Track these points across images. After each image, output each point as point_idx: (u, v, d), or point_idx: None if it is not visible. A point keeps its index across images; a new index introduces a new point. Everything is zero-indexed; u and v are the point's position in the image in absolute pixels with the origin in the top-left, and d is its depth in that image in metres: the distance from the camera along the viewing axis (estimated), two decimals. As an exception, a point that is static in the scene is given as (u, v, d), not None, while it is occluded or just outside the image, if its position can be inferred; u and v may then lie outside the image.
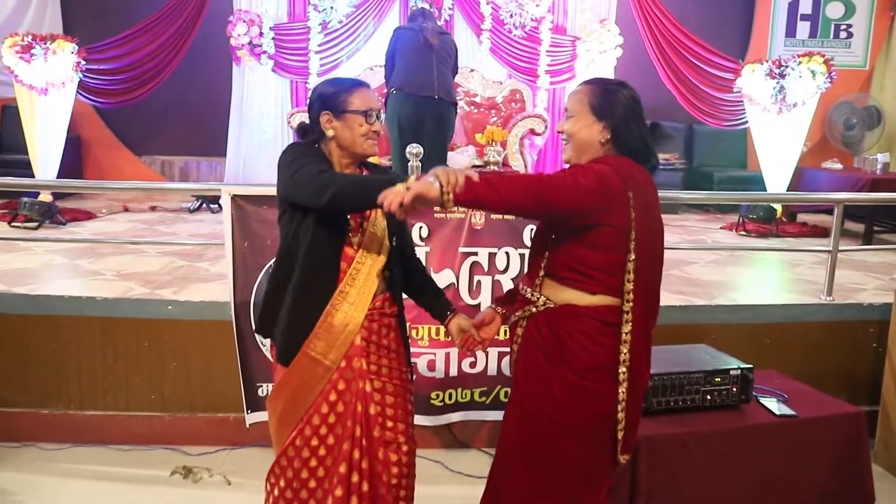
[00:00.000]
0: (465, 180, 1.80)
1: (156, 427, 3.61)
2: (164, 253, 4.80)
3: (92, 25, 7.43)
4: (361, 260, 2.17)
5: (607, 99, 2.12)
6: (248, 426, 3.47)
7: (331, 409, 2.17)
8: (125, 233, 5.66)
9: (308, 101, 2.26)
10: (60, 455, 3.50)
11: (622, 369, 2.04)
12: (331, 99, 2.16)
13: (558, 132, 2.22)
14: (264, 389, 3.41)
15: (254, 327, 2.42)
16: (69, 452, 3.52)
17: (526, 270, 2.26)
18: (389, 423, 2.25)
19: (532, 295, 2.12)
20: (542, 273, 2.11)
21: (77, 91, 6.51)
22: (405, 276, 2.36)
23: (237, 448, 3.56)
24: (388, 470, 2.23)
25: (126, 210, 6.66)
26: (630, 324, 2.04)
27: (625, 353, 2.04)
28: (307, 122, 2.26)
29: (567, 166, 2.13)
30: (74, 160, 7.47)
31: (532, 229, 3.38)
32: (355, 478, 2.16)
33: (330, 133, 2.16)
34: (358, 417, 2.18)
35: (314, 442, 2.17)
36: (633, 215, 2.02)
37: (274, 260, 2.27)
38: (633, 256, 2.04)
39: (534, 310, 2.11)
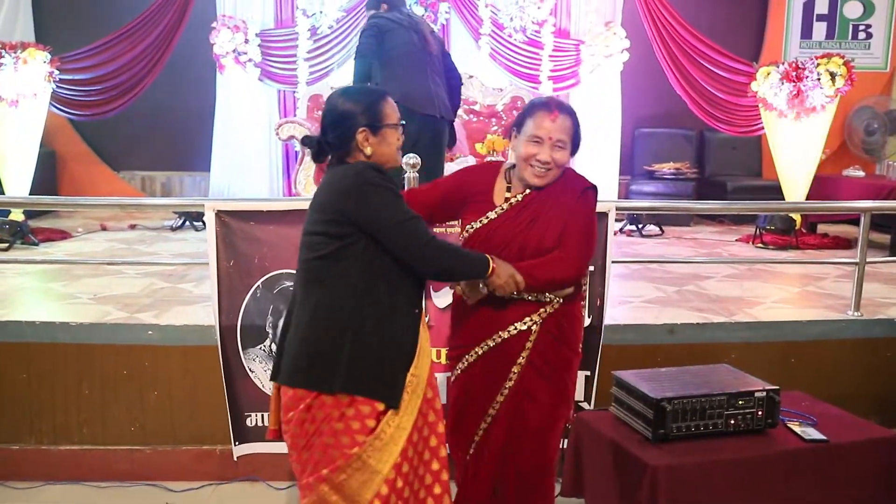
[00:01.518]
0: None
1: (136, 462, 3.55)
2: (145, 274, 4.76)
3: (66, 33, 7.41)
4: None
5: (578, 132, 2.54)
6: (235, 459, 3.41)
7: (417, 431, 2.22)
8: (102, 253, 5.61)
9: (331, 118, 2.20)
10: (33, 494, 3.43)
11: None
12: (366, 114, 2.15)
13: (544, 163, 2.44)
14: (253, 419, 3.36)
15: (300, 381, 2.14)
16: (43, 491, 3.46)
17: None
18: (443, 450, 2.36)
19: (546, 297, 2.47)
20: None
21: (50, 103, 6.48)
22: None
23: (224, 483, 3.51)
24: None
25: (104, 229, 6.62)
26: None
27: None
28: (315, 136, 2.24)
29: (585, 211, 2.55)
30: (48, 176, 7.43)
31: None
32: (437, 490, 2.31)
33: (368, 150, 2.16)
34: (433, 426, 2.30)
35: (405, 468, 2.18)
36: None
37: (330, 302, 2.15)
38: None
39: (550, 310, 2.49)
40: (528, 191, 2.51)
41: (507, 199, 2.52)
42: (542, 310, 2.49)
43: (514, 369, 2.50)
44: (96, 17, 7.56)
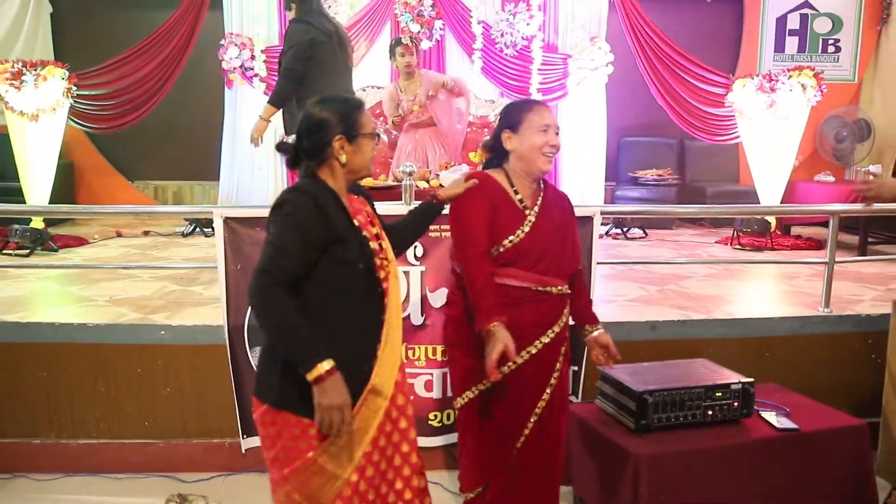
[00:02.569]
0: None
1: (150, 454, 3.55)
2: (157, 278, 4.76)
3: (82, 51, 7.41)
4: (391, 279, 2.17)
5: None
6: (243, 451, 3.42)
7: (382, 434, 2.13)
8: (118, 258, 5.62)
9: (308, 125, 2.08)
10: (52, 486, 3.43)
11: None
12: (342, 123, 2.06)
13: (554, 146, 2.47)
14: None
15: (257, 394, 2.06)
16: (61, 482, 3.45)
17: (547, 272, 2.46)
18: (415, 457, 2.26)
19: (567, 289, 2.52)
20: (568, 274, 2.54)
21: (68, 117, 6.49)
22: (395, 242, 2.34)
23: (233, 474, 3.51)
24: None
25: (119, 235, 6.63)
26: None
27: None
28: (290, 141, 2.15)
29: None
30: (66, 186, 7.43)
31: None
32: (408, 495, 2.22)
33: (343, 158, 2.07)
34: (404, 434, 2.21)
35: (369, 472, 2.09)
36: None
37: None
38: None
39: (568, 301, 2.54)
40: (540, 197, 2.50)
41: (525, 207, 2.46)
42: (568, 300, 2.53)
43: (557, 365, 2.51)
44: (111, 35, 7.57)
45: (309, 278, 1.98)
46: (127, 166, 8.01)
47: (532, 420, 2.48)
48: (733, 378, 2.97)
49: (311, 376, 1.87)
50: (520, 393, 2.46)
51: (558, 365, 2.51)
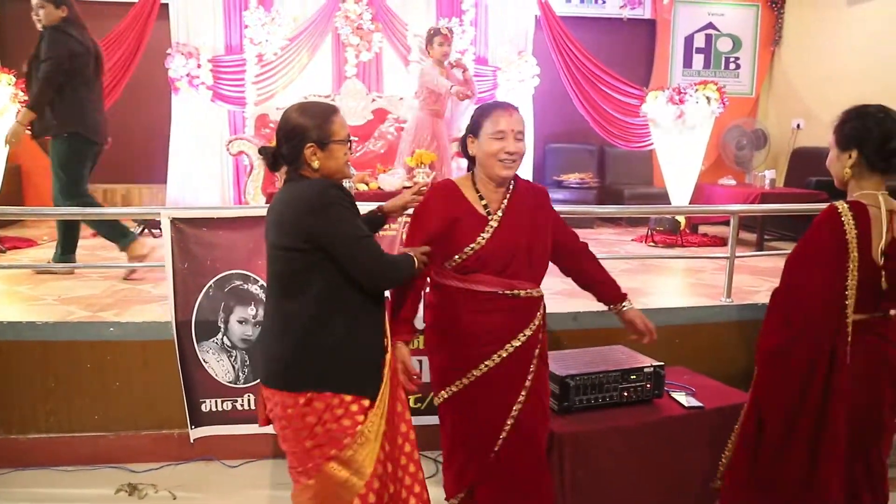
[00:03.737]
0: None
1: (100, 447, 3.45)
2: (106, 277, 4.62)
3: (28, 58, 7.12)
4: None
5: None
6: (192, 441, 3.34)
7: (388, 425, 2.18)
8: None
9: (285, 131, 2.08)
10: (4, 480, 3.30)
11: None
12: (315, 131, 2.04)
13: (511, 153, 2.29)
14: (207, 405, 3.29)
15: (290, 387, 2.04)
16: (12, 477, 3.33)
17: (515, 276, 2.34)
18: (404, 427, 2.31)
19: (538, 292, 2.40)
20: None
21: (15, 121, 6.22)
22: None
23: (182, 463, 3.44)
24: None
25: (68, 237, 6.39)
26: None
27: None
28: (271, 147, 2.13)
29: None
30: (14, 189, 7.12)
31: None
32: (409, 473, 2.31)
33: (316, 165, 2.05)
34: (401, 415, 2.28)
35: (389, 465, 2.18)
36: None
37: (309, 312, 2.04)
38: None
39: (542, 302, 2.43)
40: (505, 200, 2.35)
41: (488, 213, 2.33)
42: (542, 302, 2.42)
43: (531, 367, 2.37)
44: (59, 43, 7.29)
45: (323, 269, 2.01)
46: (75, 170, 7.72)
47: (508, 423, 2.35)
48: (646, 362, 3.04)
49: (417, 267, 2.22)
50: (493, 396, 2.35)
51: (532, 367, 2.37)
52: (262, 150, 2.18)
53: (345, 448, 2.03)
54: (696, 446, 2.94)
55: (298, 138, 2.04)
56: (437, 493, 2.51)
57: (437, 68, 5.66)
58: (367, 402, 2.07)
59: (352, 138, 2.17)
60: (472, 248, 2.29)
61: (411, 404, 3.45)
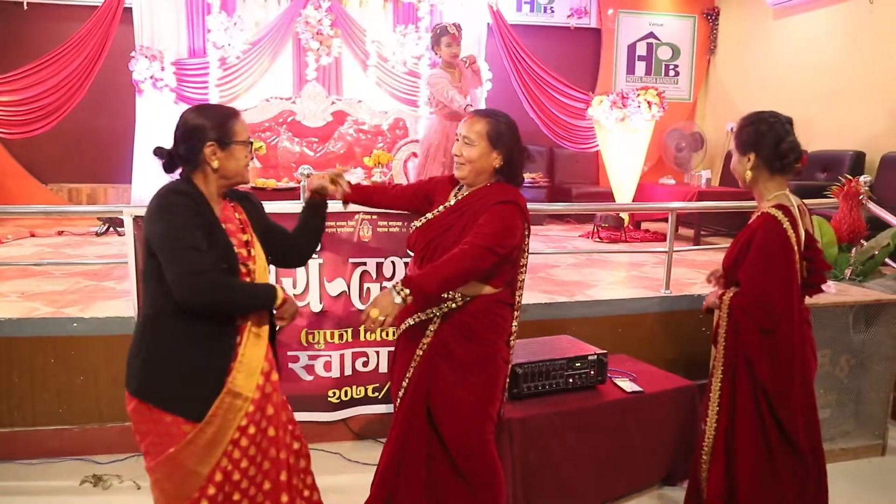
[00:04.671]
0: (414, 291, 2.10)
1: (65, 439, 3.35)
2: (70, 274, 4.49)
3: (-7, 60, 6.91)
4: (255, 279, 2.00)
5: (500, 131, 2.33)
6: (156, 432, 3.28)
7: (248, 439, 1.93)
8: (31, 257, 5.23)
9: (182, 131, 1.94)
10: (-34, 473, 3.19)
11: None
12: (215, 130, 1.92)
13: (455, 155, 2.35)
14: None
15: (151, 401, 1.89)
16: (-25, 469, 3.22)
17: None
18: (292, 437, 2.11)
19: (449, 294, 2.30)
20: None
21: (-21, 122, 6.04)
22: (293, 250, 2.29)
23: (146, 454, 3.36)
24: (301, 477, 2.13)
25: (33, 235, 6.19)
26: (519, 306, 2.44)
27: (516, 325, 2.43)
28: (166, 148, 1.97)
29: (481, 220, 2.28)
30: (-22, 189, 6.91)
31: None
32: (284, 498, 2.03)
33: (215, 164, 1.92)
34: (273, 441, 2.00)
35: (236, 476, 1.92)
36: (527, 234, 2.39)
37: (147, 312, 1.92)
38: (525, 262, 2.43)
39: (453, 305, 2.31)
40: (460, 197, 2.39)
41: (446, 204, 2.40)
42: (444, 304, 2.32)
43: (418, 352, 2.36)
44: (23, 45, 7.06)
45: (162, 277, 1.84)
46: (41, 169, 7.48)
47: (398, 400, 2.43)
48: (590, 351, 3.08)
49: (277, 303, 1.95)
50: (395, 360, 2.50)
51: (419, 352, 2.36)
52: (156, 151, 1.99)
53: (158, 466, 1.89)
54: (638, 428, 3.00)
55: (197, 137, 1.91)
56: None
57: (447, 73, 4.98)
58: (188, 427, 1.86)
59: (252, 141, 2.04)
60: (413, 226, 2.43)
61: (369, 393, 3.45)
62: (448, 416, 2.34)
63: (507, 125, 2.35)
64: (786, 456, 2.36)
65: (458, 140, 2.36)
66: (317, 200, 2.38)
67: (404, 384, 2.40)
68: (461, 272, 2.17)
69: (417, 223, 2.43)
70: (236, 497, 1.93)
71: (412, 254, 2.49)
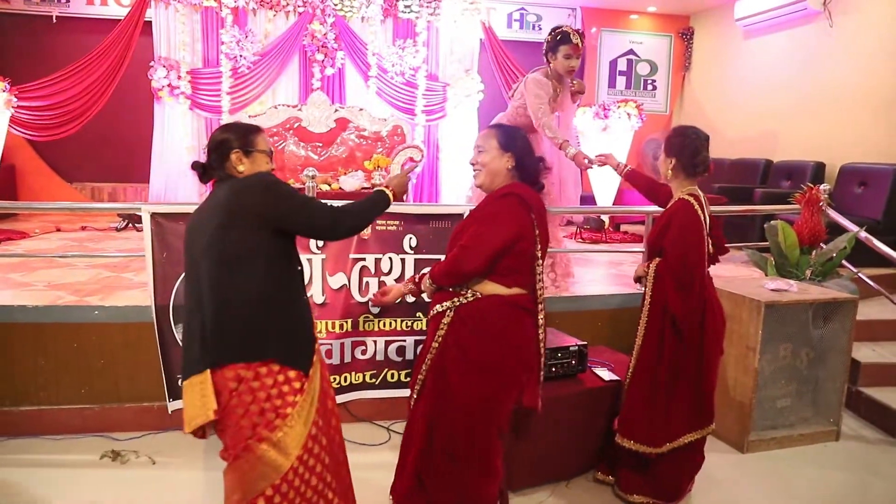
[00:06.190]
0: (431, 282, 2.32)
1: (87, 418, 3.36)
2: (93, 266, 4.49)
3: (24, 67, 6.87)
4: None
5: (510, 136, 2.36)
6: (170, 412, 3.29)
7: (320, 403, 2.05)
8: (56, 249, 5.23)
9: (212, 144, 2.07)
10: (-4, 448, 3.19)
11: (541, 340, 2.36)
12: (240, 140, 2.05)
13: (471, 164, 2.41)
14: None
15: (236, 357, 1.89)
16: (5, 444, 3.21)
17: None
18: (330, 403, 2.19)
19: (459, 288, 2.29)
20: None
21: (10, 125, 6.01)
22: None
23: (161, 432, 3.37)
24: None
25: (58, 230, 6.19)
26: (543, 309, 2.34)
27: (542, 331, 2.34)
28: (200, 161, 2.12)
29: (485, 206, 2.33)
30: (8, 187, 6.89)
31: (411, 238, 3.39)
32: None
33: (241, 168, 2.03)
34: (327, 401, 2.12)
35: (323, 439, 2.02)
36: (537, 232, 2.28)
37: (247, 280, 1.89)
38: (539, 262, 2.30)
39: (463, 300, 2.27)
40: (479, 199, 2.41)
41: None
42: (454, 298, 2.29)
43: (434, 344, 2.32)
44: (51, 54, 7.05)
45: (269, 247, 1.93)
46: (66, 169, 7.47)
47: (417, 385, 2.38)
48: (572, 342, 3.08)
49: (391, 197, 2.22)
50: (422, 350, 2.42)
51: (436, 343, 2.31)
52: (194, 164, 2.13)
53: (275, 430, 1.89)
54: (615, 413, 3.00)
55: (224, 148, 2.04)
56: (391, 458, 2.52)
57: (550, 86, 3.85)
58: (297, 385, 1.93)
59: (272, 150, 2.15)
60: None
61: (367, 380, 3.46)
62: (446, 407, 2.27)
63: (517, 133, 2.41)
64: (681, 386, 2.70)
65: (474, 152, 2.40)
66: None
67: (422, 374, 2.36)
68: (446, 271, 2.29)
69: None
70: (317, 471, 1.99)
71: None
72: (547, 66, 3.89)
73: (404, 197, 2.35)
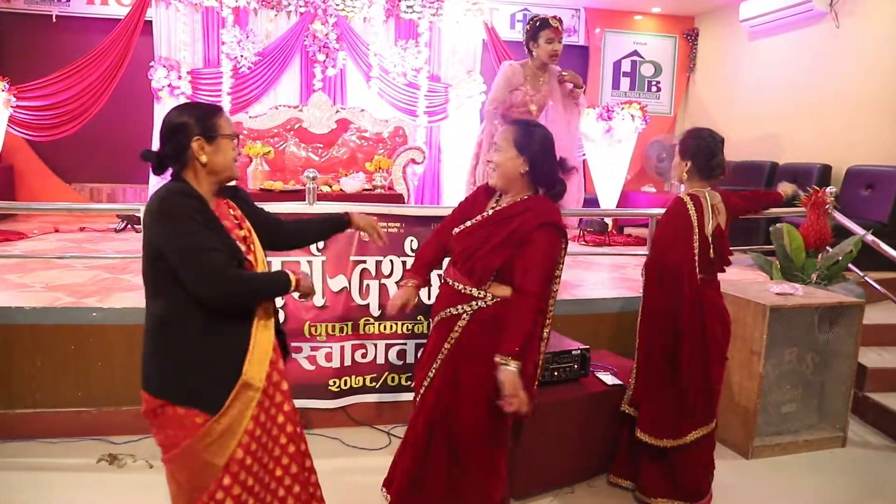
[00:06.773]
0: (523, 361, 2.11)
1: (83, 420, 3.34)
2: (91, 267, 4.48)
3: (23, 66, 6.88)
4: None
5: (529, 137, 2.24)
6: (168, 416, 3.27)
7: (260, 427, 1.84)
8: (54, 251, 5.21)
9: (167, 130, 1.80)
10: (-9, 451, 3.18)
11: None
12: (200, 124, 1.78)
13: (488, 161, 2.35)
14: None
15: (168, 398, 1.77)
16: (2, 448, 3.19)
17: (461, 274, 2.28)
18: (293, 424, 1.96)
19: (478, 292, 2.24)
20: (492, 278, 2.23)
21: (8, 125, 6.01)
22: (283, 240, 2.16)
23: (159, 436, 3.35)
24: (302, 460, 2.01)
25: (57, 231, 6.18)
26: (552, 312, 2.37)
27: (547, 330, 2.38)
28: (154, 151, 1.85)
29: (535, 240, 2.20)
30: (6, 188, 6.88)
31: (412, 240, 3.38)
32: (287, 481, 1.95)
33: (203, 159, 1.78)
34: (282, 428, 1.91)
35: (250, 463, 1.82)
36: (564, 248, 2.34)
37: (158, 313, 1.76)
38: (559, 273, 2.39)
39: (482, 304, 2.24)
40: (498, 207, 2.29)
41: (483, 214, 2.31)
42: (473, 302, 2.24)
43: (446, 346, 2.28)
44: (50, 54, 7.05)
45: (176, 276, 1.72)
46: (64, 169, 7.45)
47: (423, 387, 2.35)
48: (574, 346, 3.07)
49: (292, 288, 1.86)
50: (426, 351, 2.40)
51: (446, 346, 2.28)
52: (143, 154, 1.86)
53: (174, 458, 1.79)
54: (617, 419, 2.99)
55: (182, 134, 1.78)
56: (391, 462, 2.51)
57: (525, 72, 3.89)
58: (199, 420, 1.75)
59: (238, 135, 1.91)
60: (456, 230, 2.34)
61: (367, 383, 3.45)
62: (456, 406, 2.25)
63: (537, 134, 2.26)
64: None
65: (490, 147, 2.37)
66: (344, 221, 2.29)
67: (430, 374, 2.33)
68: (528, 332, 2.14)
69: (458, 229, 2.33)
70: (250, 483, 1.83)
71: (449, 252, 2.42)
72: (529, 57, 3.91)
73: (307, 298, 2.15)
